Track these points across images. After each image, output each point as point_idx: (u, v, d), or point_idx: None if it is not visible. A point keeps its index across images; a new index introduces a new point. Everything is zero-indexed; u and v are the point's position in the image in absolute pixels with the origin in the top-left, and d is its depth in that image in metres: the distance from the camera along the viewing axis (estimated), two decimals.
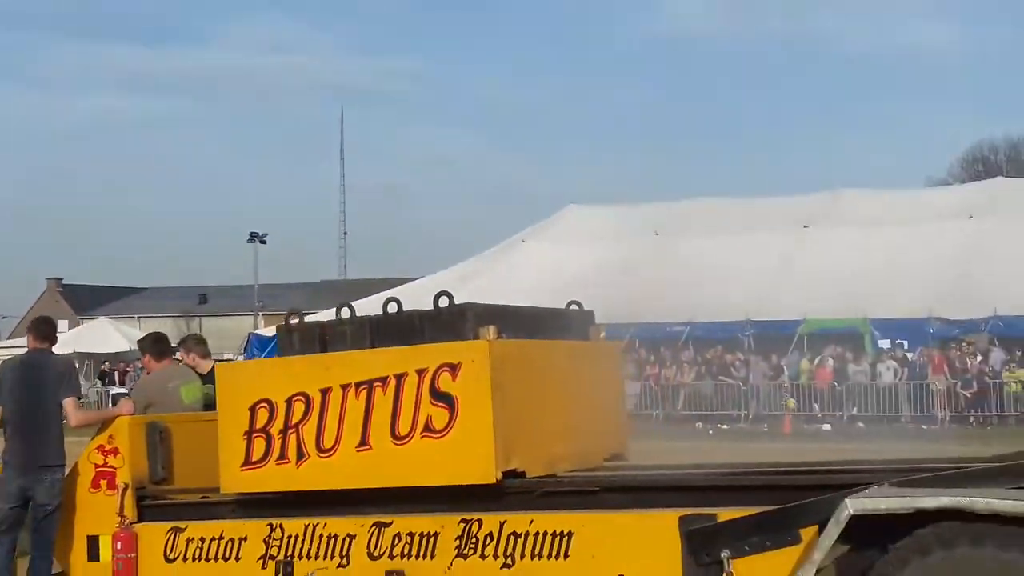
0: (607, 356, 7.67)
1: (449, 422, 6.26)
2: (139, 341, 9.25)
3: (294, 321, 7.02)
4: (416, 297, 31.17)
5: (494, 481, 6.17)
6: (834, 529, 5.26)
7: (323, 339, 6.86)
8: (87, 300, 67.40)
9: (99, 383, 39.19)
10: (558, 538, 6.02)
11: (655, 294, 32.93)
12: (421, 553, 6.34)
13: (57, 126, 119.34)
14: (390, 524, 6.43)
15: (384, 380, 6.40)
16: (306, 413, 6.65)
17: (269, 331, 40.07)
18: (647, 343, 32.35)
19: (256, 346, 38.29)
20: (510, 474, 6.27)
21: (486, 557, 6.17)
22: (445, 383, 6.26)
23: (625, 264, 34.68)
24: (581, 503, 6.27)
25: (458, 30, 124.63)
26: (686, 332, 32.05)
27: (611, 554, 5.89)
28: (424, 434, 6.31)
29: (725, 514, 5.69)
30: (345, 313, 6.92)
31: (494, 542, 6.15)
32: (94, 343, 44.49)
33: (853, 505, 5.24)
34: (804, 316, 30.38)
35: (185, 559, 7.09)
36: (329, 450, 6.59)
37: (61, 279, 71.60)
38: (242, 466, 6.85)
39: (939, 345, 28.89)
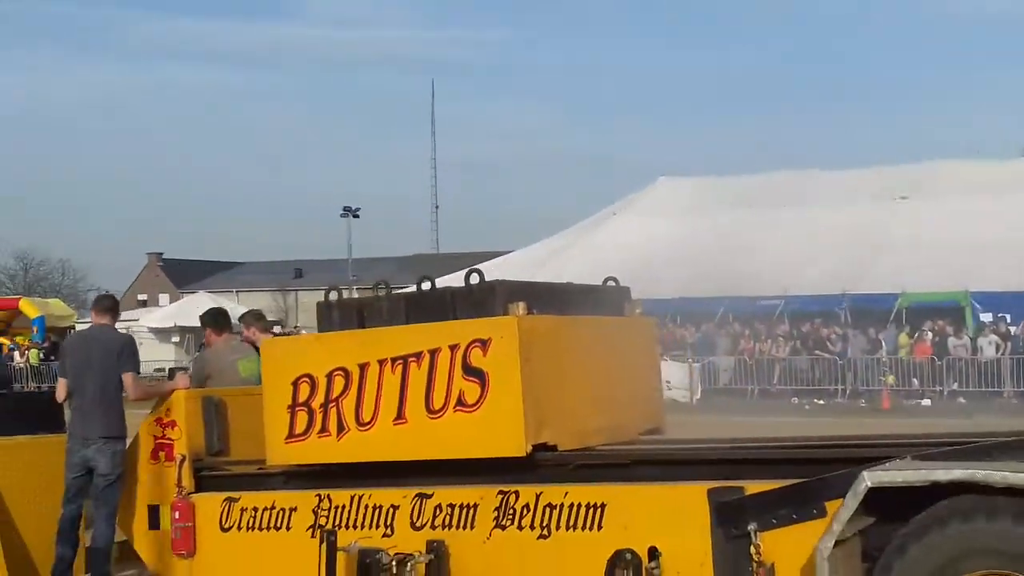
0: (642, 332, 7.71)
1: (480, 396, 6.38)
2: (201, 316, 9.48)
3: (334, 297, 7.15)
4: (507, 270, 31.21)
5: (524, 454, 6.27)
6: (852, 501, 5.32)
7: (361, 315, 7.01)
8: (187, 274, 68.93)
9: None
10: (591, 510, 6.11)
11: (748, 267, 32.53)
12: (461, 524, 6.48)
13: (155, 103, 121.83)
14: (431, 496, 6.58)
15: (419, 356, 6.56)
16: (346, 388, 6.82)
17: None
18: (741, 317, 31.97)
19: None
20: (541, 447, 6.36)
21: (523, 528, 6.29)
22: (476, 358, 6.38)
23: (717, 237, 34.28)
24: (614, 476, 6.34)
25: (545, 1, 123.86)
26: (781, 306, 31.58)
27: (643, 526, 5.96)
28: (457, 408, 6.44)
29: (752, 487, 5.74)
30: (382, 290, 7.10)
31: (530, 513, 6.27)
32: (194, 317, 45.27)
33: (871, 478, 5.30)
34: (902, 289, 29.72)
35: (239, 528, 7.31)
36: (368, 423, 6.75)
37: (162, 254, 73.49)
38: (286, 439, 7.03)
39: None
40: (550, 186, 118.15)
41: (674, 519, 5.88)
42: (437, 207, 77.63)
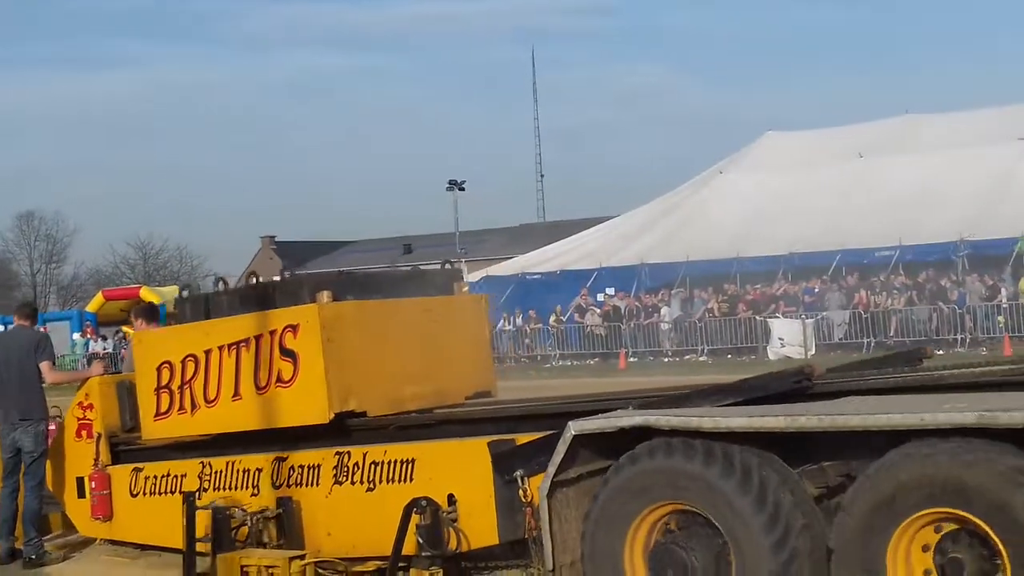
0: (469, 308, 8.88)
1: (294, 374, 7.68)
2: (135, 309, 10.73)
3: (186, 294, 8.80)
4: (614, 234, 31.55)
5: (327, 421, 7.57)
6: (561, 447, 6.25)
7: (207, 308, 8.39)
8: (299, 255, 70.62)
9: None
10: (405, 464, 7.32)
11: (861, 218, 32.32)
12: (308, 482, 7.73)
13: (263, 86, 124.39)
14: (286, 459, 7.88)
15: (247, 341, 7.89)
16: (195, 371, 8.18)
17: (473, 277, 41.36)
18: (854, 269, 31.83)
19: None
20: (350, 415, 7.66)
21: (355, 483, 7.52)
22: (289, 341, 7.69)
23: (828, 189, 34.11)
24: (425, 435, 7.59)
25: None
26: (895, 256, 31.39)
27: (443, 476, 7.13)
28: (277, 384, 7.77)
29: (522, 439, 6.82)
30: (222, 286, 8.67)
31: (360, 470, 7.50)
32: None
33: (574, 427, 6.23)
34: (1022, 233, 29.23)
35: (144, 494, 8.72)
36: (213, 400, 8.12)
37: (275, 236, 75.63)
38: (155, 417, 8.48)
39: None
40: (656, 148, 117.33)
41: (466, 469, 7.02)
42: (542, 176, 78.20)
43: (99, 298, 45.77)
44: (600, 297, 36.49)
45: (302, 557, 7.39)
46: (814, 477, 5.92)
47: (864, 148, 35.38)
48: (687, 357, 32.14)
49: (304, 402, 7.66)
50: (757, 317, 31.99)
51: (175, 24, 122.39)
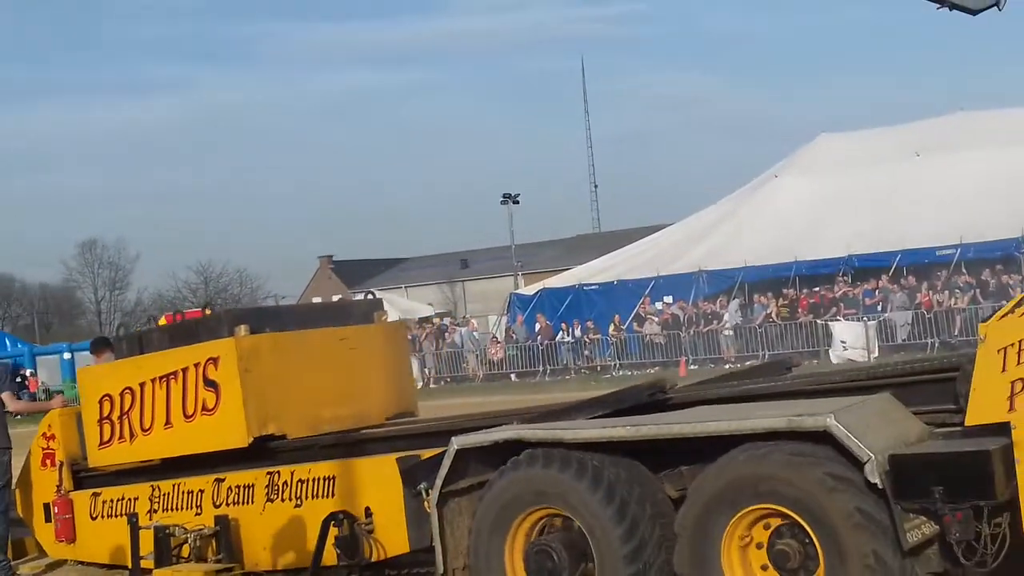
0: (388, 335, 9.50)
1: (216, 402, 8.40)
2: (92, 342, 11.53)
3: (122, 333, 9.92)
4: (670, 243, 31.45)
5: (246, 445, 8.29)
6: (447, 460, 6.87)
7: (141, 344, 9.17)
8: (357, 274, 71.62)
9: None
10: (327, 481, 7.93)
11: (919, 217, 32.05)
12: (244, 500, 8.38)
13: (315, 107, 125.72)
14: (224, 479, 8.54)
15: (176, 374, 8.63)
16: (132, 403, 8.92)
17: (530, 290, 41.59)
18: (915, 269, 31.55)
19: (518, 305, 39.96)
20: (270, 438, 8.38)
21: (285, 500, 8.15)
22: (211, 373, 8.41)
23: (884, 189, 33.85)
24: (345, 453, 8.19)
25: None
26: (956, 254, 31.09)
27: (361, 490, 7.73)
28: (203, 413, 8.49)
29: (427, 454, 7.28)
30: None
31: (289, 488, 8.13)
32: None
33: (457, 441, 6.86)
34: None
35: (103, 517, 9.39)
36: (148, 429, 8.85)
37: (332, 256, 76.56)
38: (99, 446, 9.21)
39: None
40: (709, 154, 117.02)
41: (380, 484, 7.61)
42: (596, 186, 78.41)
43: (163, 322, 46.28)
44: (659, 306, 36.43)
45: (230, 570, 8.08)
46: (673, 480, 6.48)
47: (920, 146, 35.07)
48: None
49: (226, 428, 8.41)
50: (818, 321, 31.80)
51: (223, 48, 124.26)
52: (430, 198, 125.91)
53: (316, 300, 73.95)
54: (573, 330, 37.18)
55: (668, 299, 36.60)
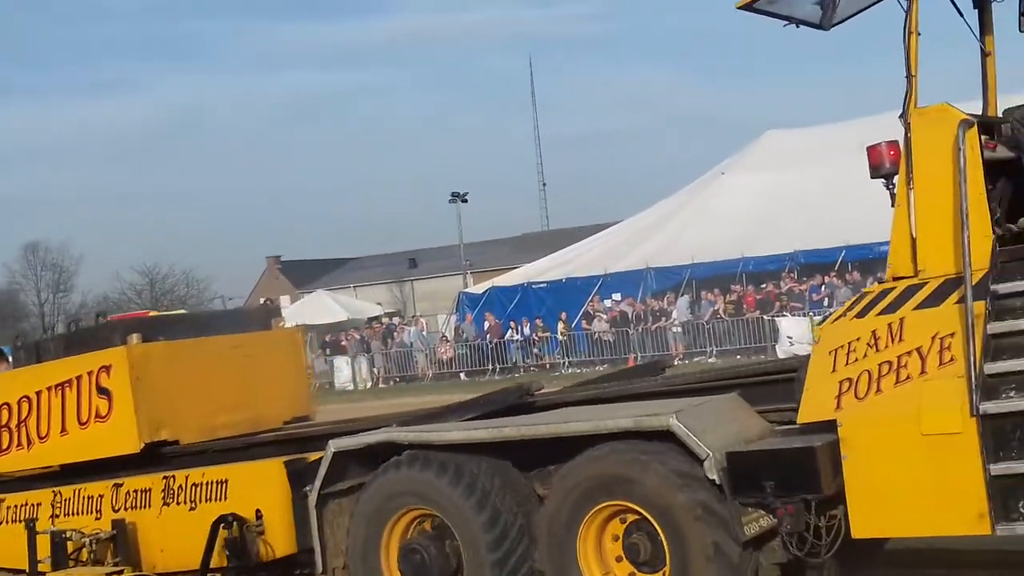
0: (284, 341, 9.91)
1: (109, 410, 8.73)
2: None
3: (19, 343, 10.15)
4: (617, 240, 31.61)
5: (137, 451, 8.64)
6: (324, 463, 7.28)
7: (39, 353, 9.52)
8: (305, 275, 71.63)
9: (323, 353, 41.63)
10: (220, 484, 8.28)
11: (864, 213, 32.59)
12: (141, 504, 8.69)
13: (262, 106, 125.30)
14: (123, 484, 8.84)
15: (70, 382, 8.95)
16: (29, 411, 9.25)
17: (479, 289, 41.89)
18: (860, 264, 32.13)
19: (467, 304, 40.25)
20: (162, 444, 8.75)
21: (180, 504, 8.48)
22: (104, 381, 8.75)
23: (830, 185, 34.40)
24: (238, 457, 8.60)
25: None
26: None
27: (252, 493, 8.10)
28: (96, 420, 8.81)
29: (315, 457, 7.64)
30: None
31: (184, 491, 8.45)
32: (315, 315, 47.51)
33: (334, 444, 7.27)
34: None
35: (7, 522, 9.65)
36: (44, 437, 9.17)
37: (280, 256, 76.56)
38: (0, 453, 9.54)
39: None
40: (657, 151, 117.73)
41: (269, 486, 7.97)
42: (544, 184, 78.90)
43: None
44: (607, 303, 36.89)
45: (120, 572, 8.36)
46: (543, 479, 6.84)
47: (866, 142, 35.52)
48: (696, 359, 32.50)
49: (118, 435, 8.73)
50: (765, 317, 32.33)
51: (174, 47, 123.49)
52: (378, 197, 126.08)
53: (263, 301, 74.38)
54: (522, 328, 37.55)
55: (616, 296, 37.04)
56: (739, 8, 6.52)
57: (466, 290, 43.88)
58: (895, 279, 6.09)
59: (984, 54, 6.94)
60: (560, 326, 36.47)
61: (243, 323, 9.83)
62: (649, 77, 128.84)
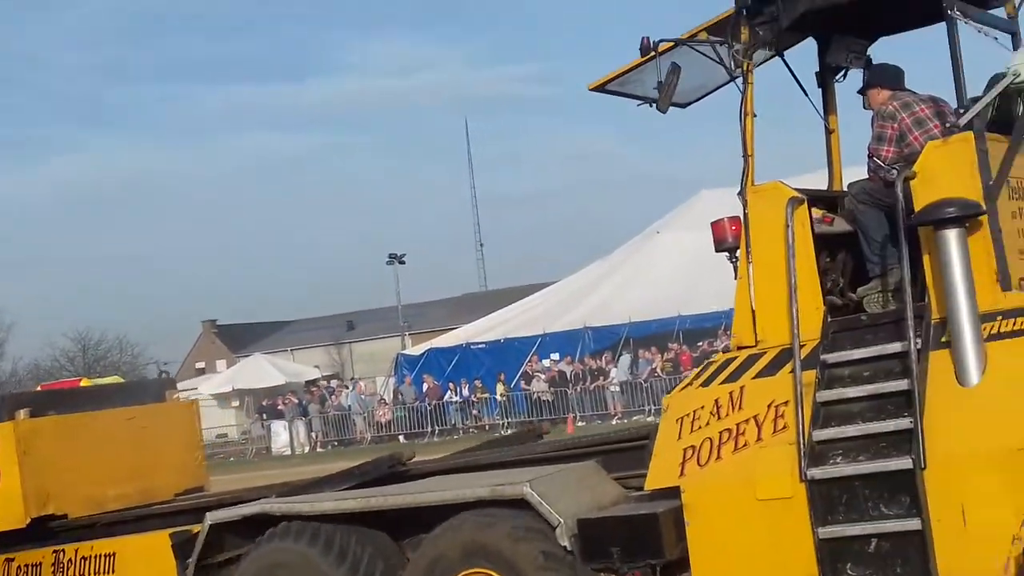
0: (178, 413, 10.15)
1: None
2: None
3: None
4: (554, 301, 31.98)
5: (23, 525, 8.75)
6: (201, 535, 7.53)
7: None
8: (242, 338, 71.60)
9: (260, 418, 41.55)
10: (108, 558, 8.49)
11: None
12: None
13: (199, 170, 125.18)
14: (14, 559, 9.04)
15: None
16: None
17: (417, 350, 42.05)
18: None
19: (405, 366, 40.37)
20: (50, 518, 8.85)
21: None
22: None
23: None
24: (128, 529, 8.78)
25: (576, 31, 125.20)
26: None
27: (140, 565, 8.35)
28: None
29: (197, 529, 7.84)
30: None
31: (74, 565, 8.65)
32: (252, 379, 47.40)
33: (211, 517, 7.55)
34: None
35: None
36: None
37: (216, 320, 76.60)
38: None
39: None
40: (594, 211, 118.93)
41: (156, 558, 8.14)
42: (482, 245, 79.40)
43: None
44: (546, 363, 37.22)
45: None
46: (414, 547, 7.04)
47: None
48: (636, 418, 32.81)
49: (4, 510, 8.82)
50: None
51: (110, 113, 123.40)
52: (316, 260, 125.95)
53: (199, 365, 74.73)
54: (461, 389, 37.77)
55: (555, 356, 37.42)
56: (592, 90, 6.91)
57: (404, 352, 44.06)
58: (738, 348, 6.43)
59: (828, 131, 7.37)
60: (499, 387, 36.76)
61: (137, 395, 10.03)
62: (587, 137, 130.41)
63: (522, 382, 36.61)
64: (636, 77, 6.74)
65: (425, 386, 38.10)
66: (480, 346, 39.16)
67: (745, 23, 6.34)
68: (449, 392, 37.60)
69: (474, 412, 37.12)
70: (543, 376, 36.54)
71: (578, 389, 35.27)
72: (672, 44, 6.35)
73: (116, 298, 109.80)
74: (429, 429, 36.68)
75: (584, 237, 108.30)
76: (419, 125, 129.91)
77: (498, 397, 36.58)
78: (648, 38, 6.25)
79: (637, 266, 38.57)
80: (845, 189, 6.99)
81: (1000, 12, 6.61)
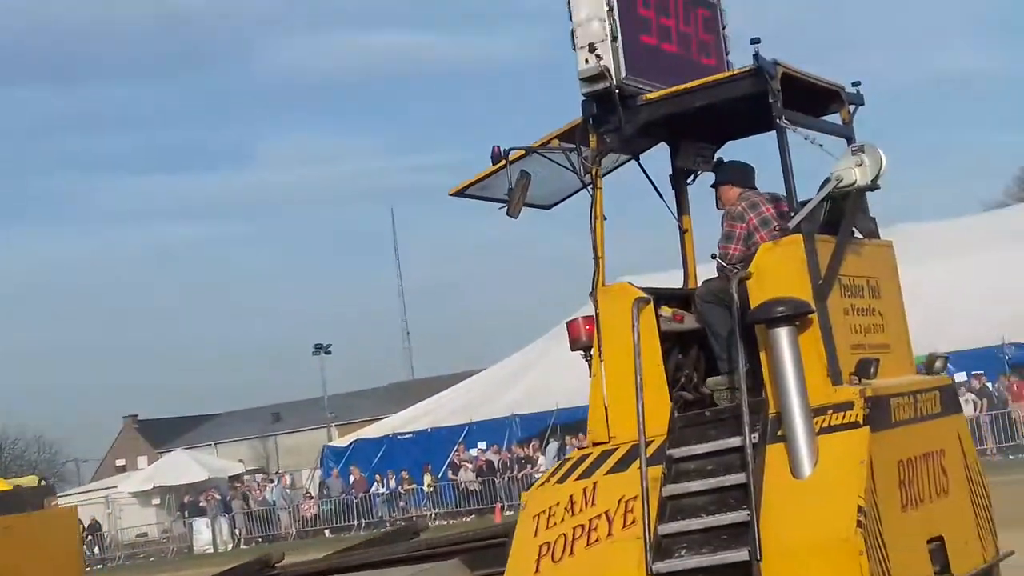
0: (56, 521, 10.46)
1: None
2: None
3: None
4: (480, 388, 32.16)
5: None
6: None
7: None
8: (164, 433, 70.65)
9: (182, 515, 41.00)
10: None
11: None
12: None
13: (117, 260, 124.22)
14: None
15: None
16: None
17: (344, 441, 41.88)
18: None
19: (331, 458, 40.15)
20: None
21: None
22: None
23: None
24: None
25: (489, 121, 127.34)
26: None
27: None
28: None
29: None
30: None
31: None
32: (173, 475, 46.80)
33: None
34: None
35: None
36: None
37: (136, 415, 75.47)
38: None
39: (1017, 371, 29.22)
40: (520, 297, 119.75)
41: None
42: (408, 333, 79.54)
43: None
44: (473, 452, 37.26)
45: None
46: None
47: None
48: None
49: None
50: None
51: (16, 204, 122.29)
52: (240, 351, 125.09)
53: (120, 463, 73.60)
54: (388, 481, 37.64)
55: (482, 445, 37.47)
56: (452, 195, 7.24)
57: (330, 444, 43.85)
58: (594, 445, 6.72)
59: (682, 231, 7.76)
60: (426, 478, 36.71)
61: (15, 504, 10.13)
62: (511, 223, 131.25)
63: (449, 472, 36.60)
64: (496, 181, 7.07)
65: (352, 478, 37.94)
66: (407, 436, 39.12)
67: (592, 131, 6.73)
68: (376, 484, 37.48)
69: (401, 504, 36.98)
70: (470, 466, 36.56)
71: (506, 478, 35.33)
72: (523, 152, 6.72)
73: (33, 394, 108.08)
74: (355, 522, 36.47)
75: (511, 323, 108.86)
76: (344, 215, 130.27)
77: (425, 488, 36.52)
78: (499, 147, 6.62)
79: (563, 352, 38.65)
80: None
81: (836, 118, 7.07)
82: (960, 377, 30.73)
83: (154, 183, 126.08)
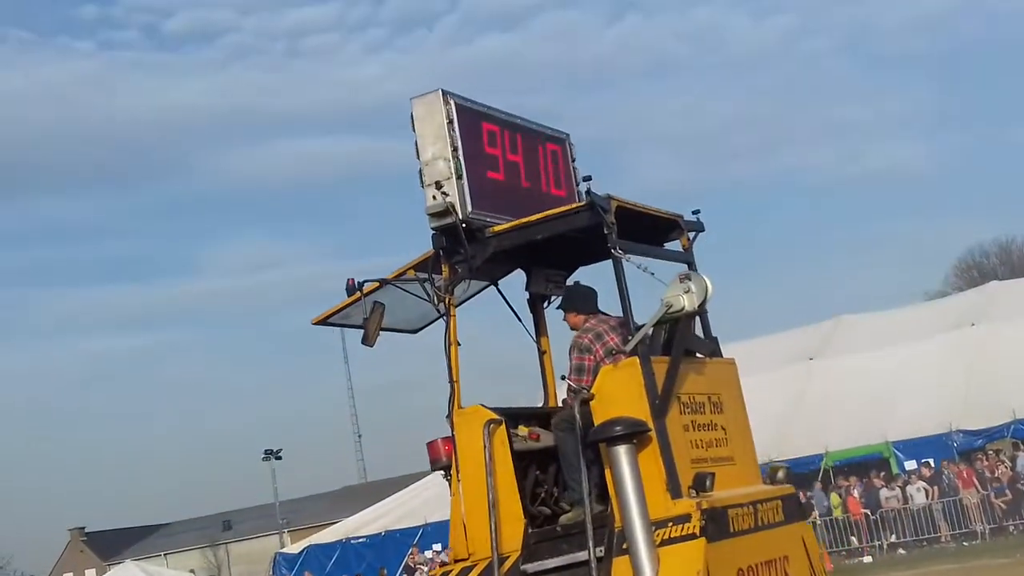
0: None
1: None
2: None
3: None
4: (433, 491, 32.39)
5: None
6: None
7: None
8: (113, 545, 70.07)
9: None
10: None
11: None
12: None
13: (55, 373, 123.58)
14: None
15: None
16: None
17: (296, 547, 41.81)
18: None
19: (284, 565, 40.04)
20: None
21: None
22: None
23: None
24: None
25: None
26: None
27: None
28: None
29: None
30: None
31: None
32: None
33: None
34: (824, 449, 31.38)
35: None
36: None
37: (84, 528, 74.85)
38: None
39: (965, 458, 29.75)
40: (473, 393, 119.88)
41: None
42: (360, 436, 79.62)
43: None
44: (428, 554, 37.29)
45: None
46: None
47: None
48: None
49: None
50: None
51: None
52: (188, 459, 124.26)
53: None
54: None
55: (437, 547, 37.50)
56: (314, 324, 7.75)
57: (283, 550, 43.75)
58: (455, 561, 7.16)
59: (540, 352, 8.29)
60: None
61: None
62: (462, 320, 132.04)
63: (405, 575, 36.60)
64: (356, 310, 7.57)
65: None
66: (361, 540, 39.15)
67: (444, 262, 7.28)
68: None
69: None
70: (426, 568, 36.56)
71: None
72: (377, 284, 7.26)
73: None
74: None
75: None
76: (291, 319, 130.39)
77: None
78: (353, 279, 7.16)
79: None
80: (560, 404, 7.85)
81: (676, 245, 7.67)
82: (910, 465, 31.41)
83: (101, 293, 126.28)
